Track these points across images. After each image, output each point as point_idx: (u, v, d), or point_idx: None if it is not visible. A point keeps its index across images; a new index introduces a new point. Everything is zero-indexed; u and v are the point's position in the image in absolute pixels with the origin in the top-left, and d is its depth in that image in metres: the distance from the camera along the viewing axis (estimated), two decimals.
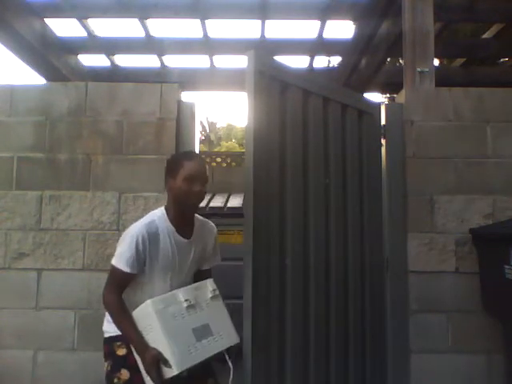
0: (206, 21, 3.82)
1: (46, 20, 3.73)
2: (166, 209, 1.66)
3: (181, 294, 1.59)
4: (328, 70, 5.33)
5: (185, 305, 1.56)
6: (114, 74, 4.75)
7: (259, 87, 1.77)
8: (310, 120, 2.05)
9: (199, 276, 1.79)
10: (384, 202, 2.43)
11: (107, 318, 1.64)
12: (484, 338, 2.31)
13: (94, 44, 4.16)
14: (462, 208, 2.39)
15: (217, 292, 1.69)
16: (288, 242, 1.90)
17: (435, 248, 2.37)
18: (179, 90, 2.53)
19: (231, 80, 4.77)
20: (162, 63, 4.73)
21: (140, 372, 1.49)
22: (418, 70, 2.51)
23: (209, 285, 1.71)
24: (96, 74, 4.71)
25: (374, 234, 2.36)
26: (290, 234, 1.91)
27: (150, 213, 1.68)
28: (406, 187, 2.41)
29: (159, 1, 3.61)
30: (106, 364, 1.61)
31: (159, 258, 1.60)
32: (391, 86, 4.89)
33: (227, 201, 4.06)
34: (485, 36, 4.25)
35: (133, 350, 1.52)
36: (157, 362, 1.42)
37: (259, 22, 3.87)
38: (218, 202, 3.99)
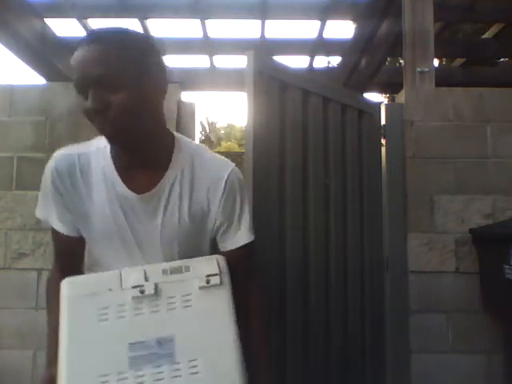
0: (206, 21, 3.82)
1: (46, 20, 3.73)
2: None
3: (131, 275, 0.88)
4: (328, 70, 5.33)
5: (130, 295, 0.85)
6: None
7: (259, 87, 1.77)
8: (309, 120, 2.05)
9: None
10: (384, 201, 2.43)
11: None
12: (484, 338, 2.31)
13: None
14: (462, 208, 2.39)
15: (217, 280, 0.91)
16: (287, 242, 1.90)
17: (435, 248, 2.37)
18: (179, 89, 2.52)
19: (231, 80, 4.77)
20: None
21: None
22: (418, 69, 2.51)
23: (206, 264, 0.93)
24: None
25: (374, 234, 2.36)
26: (289, 233, 1.91)
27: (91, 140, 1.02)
28: (405, 187, 2.41)
29: (159, 1, 3.61)
30: None
31: (92, 219, 0.96)
32: (391, 86, 4.89)
33: None
34: (485, 36, 4.25)
35: None
36: None
37: (259, 21, 3.87)
38: None
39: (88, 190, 0.96)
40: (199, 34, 4.06)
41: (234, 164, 1.04)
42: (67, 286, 0.88)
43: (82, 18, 3.73)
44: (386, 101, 8.00)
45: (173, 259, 0.97)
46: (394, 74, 4.59)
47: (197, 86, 4.93)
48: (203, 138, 22.47)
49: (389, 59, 5.88)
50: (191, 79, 4.80)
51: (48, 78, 4.10)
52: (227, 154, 8.61)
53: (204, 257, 0.97)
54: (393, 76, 4.60)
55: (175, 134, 1.04)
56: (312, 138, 2.06)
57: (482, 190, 2.40)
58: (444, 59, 6.26)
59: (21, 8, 3.34)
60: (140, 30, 3.93)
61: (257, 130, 1.74)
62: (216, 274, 0.91)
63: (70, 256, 1.07)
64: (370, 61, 4.14)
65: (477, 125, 2.45)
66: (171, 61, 5.91)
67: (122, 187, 0.94)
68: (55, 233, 1.05)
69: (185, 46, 4.34)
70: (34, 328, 2.36)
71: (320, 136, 2.10)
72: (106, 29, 0.87)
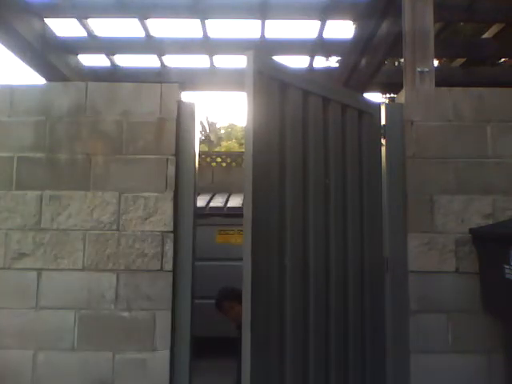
0: (206, 21, 3.82)
1: (46, 20, 3.73)
2: None
3: None
4: (328, 70, 5.33)
5: None
6: (114, 74, 4.75)
7: (258, 87, 1.77)
8: (309, 120, 2.05)
9: None
10: (384, 201, 2.43)
11: None
12: (484, 338, 2.31)
13: (93, 44, 4.16)
14: (462, 208, 2.39)
15: None
16: (287, 242, 1.90)
17: (435, 248, 2.37)
18: (179, 90, 2.52)
19: (231, 80, 4.78)
20: (161, 63, 4.73)
21: None
22: (418, 69, 2.51)
23: None
24: (96, 74, 4.71)
25: (374, 234, 2.36)
26: (289, 233, 1.91)
27: None
28: (405, 187, 2.41)
29: (159, 1, 3.61)
30: None
31: None
32: (391, 86, 4.90)
33: (227, 201, 4.06)
34: (485, 36, 4.25)
35: None
36: None
37: (259, 22, 3.88)
38: (217, 201, 3.99)
39: None
40: (199, 34, 4.07)
41: None
42: None
43: (81, 18, 3.74)
44: (386, 101, 8.00)
45: None
46: (393, 73, 4.60)
47: (197, 85, 4.94)
48: (203, 137, 22.48)
49: (388, 59, 5.88)
50: (191, 79, 4.81)
51: (48, 78, 4.11)
52: (227, 154, 8.60)
53: None
54: (393, 76, 4.61)
55: None
56: (312, 138, 2.06)
57: (482, 190, 2.39)
58: (444, 59, 6.26)
59: (21, 8, 3.35)
60: (140, 29, 3.93)
61: (257, 129, 1.74)
62: None
63: None
64: (370, 61, 4.14)
65: (477, 125, 2.45)
66: (171, 61, 5.91)
67: None
68: None
69: (185, 46, 4.34)
70: (33, 328, 2.35)
71: (320, 136, 2.10)
72: None
